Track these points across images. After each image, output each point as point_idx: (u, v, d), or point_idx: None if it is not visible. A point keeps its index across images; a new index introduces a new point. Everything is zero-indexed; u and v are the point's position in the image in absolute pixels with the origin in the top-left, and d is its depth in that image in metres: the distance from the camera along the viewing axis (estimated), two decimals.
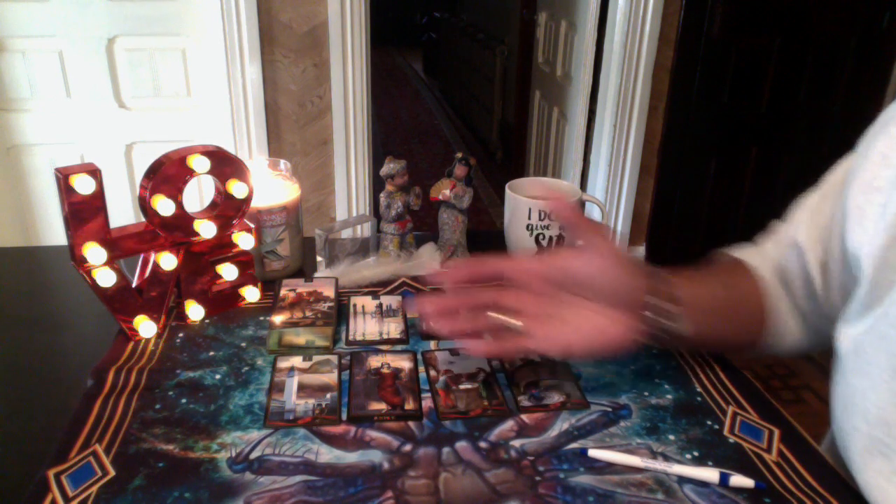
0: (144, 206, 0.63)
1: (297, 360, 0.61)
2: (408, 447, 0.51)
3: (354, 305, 0.71)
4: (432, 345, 0.65)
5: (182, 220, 0.65)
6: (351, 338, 0.66)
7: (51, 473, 0.47)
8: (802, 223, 0.58)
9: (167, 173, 0.62)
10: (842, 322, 0.50)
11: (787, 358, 0.68)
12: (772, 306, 0.61)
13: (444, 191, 0.79)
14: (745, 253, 0.66)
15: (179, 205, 0.64)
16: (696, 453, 0.51)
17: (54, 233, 2.12)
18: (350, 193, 2.23)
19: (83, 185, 0.58)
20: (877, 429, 0.45)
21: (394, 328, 0.67)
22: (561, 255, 0.56)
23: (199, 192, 1.73)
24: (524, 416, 0.55)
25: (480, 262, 0.56)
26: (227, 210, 0.68)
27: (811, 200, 0.59)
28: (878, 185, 0.47)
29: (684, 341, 0.57)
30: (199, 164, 0.64)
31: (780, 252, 0.62)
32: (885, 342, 0.44)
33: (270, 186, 0.76)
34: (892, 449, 0.44)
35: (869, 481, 0.45)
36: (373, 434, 0.52)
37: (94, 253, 0.60)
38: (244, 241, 0.70)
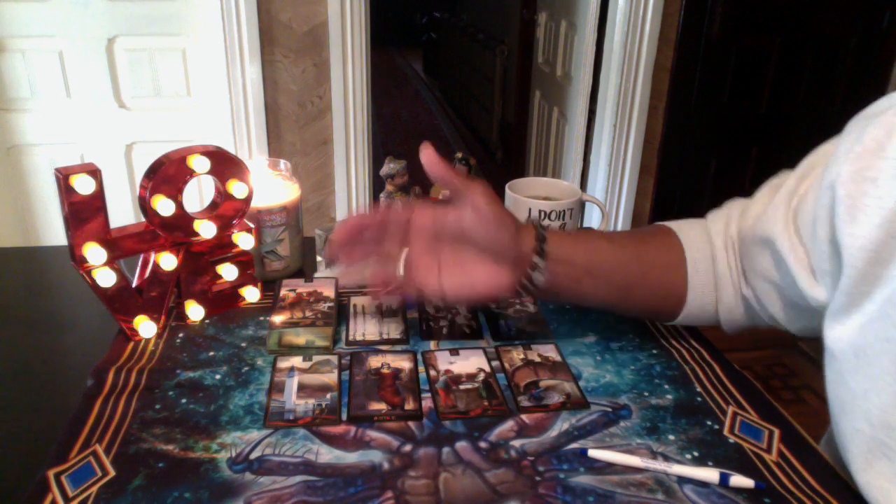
0: (144, 206, 0.63)
1: (297, 360, 0.61)
2: (408, 447, 0.51)
3: (354, 305, 0.71)
4: (432, 345, 0.65)
5: (182, 220, 0.65)
6: (351, 338, 0.66)
7: (51, 473, 0.47)
8: (777, 208, 0.56)
9: (167, 173, 0.62)
10: (829, 318, 0.49)
11: (732, 334, 0.69)
12: (697, 282, 0.62)
13: (444, 191, 0.79)
14: (682, 225, 0.65)
15: (179, 205, 0.64)
16: (696, 453, 0.51)
17: (54, 233, 2.12)
18: (350, 193, 2.23)
19: (83, 185, 0.58)
20: (880, 431, 0.45)
21: (394, 328, 0.67)
22: (446, 210, 0.57)
23: (199, 192, 1.73)
24: (524, 416, 0.55)
25: (374, 213, 0.59)
26: (227, 210, 0.68)
27: (787, 184, 0.57)
28: (873, 175, 0.45)
29: (554, 296, 0.60)
30: (199, 164, 0.64)
31: (744, 232, 0.60)
32: (888, 345, 0.44)
33: (270, 186, 0.76)
34: None
35: (871, 482, 0.45)
36: (373, 434, 0.52)
37: (94, 253, 0.60)
38: (244, 241, 0.70)
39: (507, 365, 0.62)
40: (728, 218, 0.64)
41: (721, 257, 0.62)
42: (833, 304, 0.49)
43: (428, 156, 0.55)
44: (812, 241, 0.52)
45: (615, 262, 0.61)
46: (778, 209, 0.56)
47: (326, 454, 0.50)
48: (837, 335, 0.48)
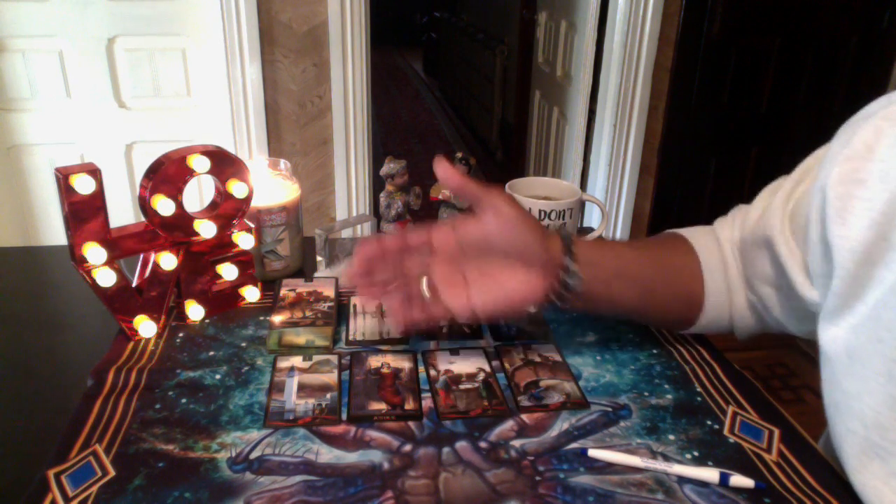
0: (144, 206, 0.63)
1: (297, 360, 0.61)
2: (408, 447, 0.51)
3: (354, 305, 0.71)
4: (432, 345, 0.65)
5: (182, 220, 0.65)
6: (351, 338, 0.66)
7: (51, 473, 0.47)
8: (775, 211, 0.57)
9: (167, 173, 0.62)
10: (823, 319, 0.50)
11: (742, 340, 0.69)
12: (713, 287, 0.61)
13: (444, 191, 0.79)
14: (693, 232, 0.66)
15: (179, 205, 0.64)
16: (696, 453, 0.51)
17: (54, 233, 2.12)
18: (350, 193, 2.23)
19: (83, 185, 0.58)
20: (873, 432, 0.45)
21: (394, 328, 0.67)
22: (467, 221, 0.56)
23: (199, 192, 1.73)
24: (524, 416, 0.55)
25: (393, 236, 0.57)
26: (227, 210, 0.68)
27: (784, 187, 0.58)
28: (862, 177, 0.46)
29: (586, 302, 0.58)
30: (199, 164, 0.64)
31: (745, 236, 0.61)
32: (880, 346, 0.44)
33: (270, 186, 0.76)
34: (889, 452, 0.44)
35: (865, 483, 0.45)
36: (373, 434, 0.52)
37: (94, 253, 0.60)
38: (244, 241, 0.70)
39: (507, 365, 0.62)
40: (733, 224, 0.64)
41: (731, 263, 0.62)
42: (826, 305, 0.49)
43: (443, 169, 0.55)
44: (806, 243, 0.53)
45: (639, 265, 0.61)
46: (776, 212, 0.57)
47: (326, 454, 0.50)
48: (831, 337, 0.48)
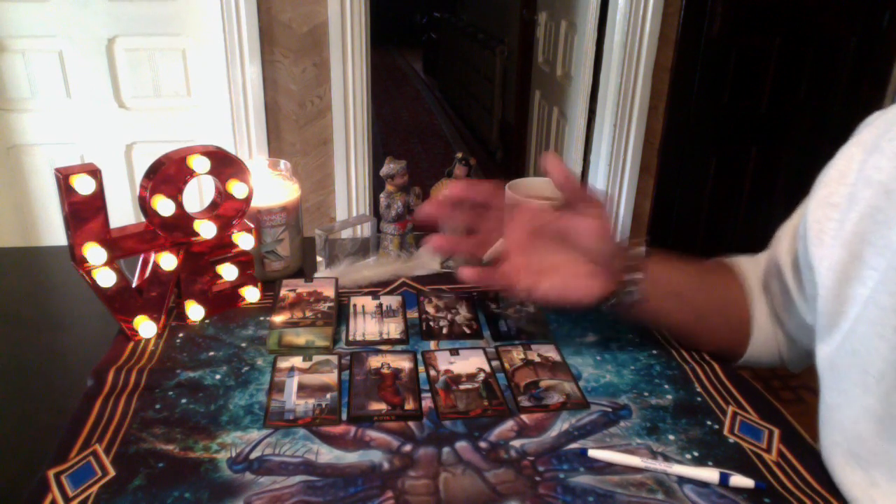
0: (144, 206, 0.63)
1: (297, 360, 0.61)
2: (408, 447, 0.51)
3: (354, 305, 0.71)
4: (432, 345, 0.65)
5: (182, 220, 0.65)
6: (351, 338, 0.66)
7: (51, 473, 0.47)
8: (783, 241, 0.60)
9: (167, 173, 0.62)
10: (817, 339, 0.52)
11: (795, 371, 0.71)
12: (755, 316, 0.63)
13: (444, 191, 0.78)
14: (738, 261, 0.67)
15: (179, 205, 0.64)
16: (696, 453, 0.51)
17: (54, 233, 2.12)
18: (350, 193, 2.23)
19: (83, 185, 0.58)
20: (853, 443, 0.46)
21: (394, 328, 0.67)
22: (550, 211, 0.59)
23: (199, 192, 1.73)
24: (524, 416, 0.55)
25: (478, 188, 0.60)
26: (227, 210, 0.68)
27: (794, 219, 0.61)
28: (835, 201, 0.49)
29: (635, 312, 0.60)
30: (199, 164, 0.64)
31: (767, 268, 0.63)
32: (855, 358, 0.46)
33: (270, 186, 0.76)
34: (868, 461, 0.45)
35: (851, 493, 0.46)
36: (373, 434, 0.52)
37: (94, 253, 0.60)
38: (244, 241, 0.70)
39: (507, 365, 0.62)
40: (763, 259, 0.66)
41: (767, 298, 0.64)
42: (817, 326, 0.51)
43: (552, 162, 0.56)
44: (802, 270, 0.55)
45: (698, 290, 0.62)
46: (784, 239, 0.60)
47: (326, 454, 0.50)
48: (822, 354, 0.51)
